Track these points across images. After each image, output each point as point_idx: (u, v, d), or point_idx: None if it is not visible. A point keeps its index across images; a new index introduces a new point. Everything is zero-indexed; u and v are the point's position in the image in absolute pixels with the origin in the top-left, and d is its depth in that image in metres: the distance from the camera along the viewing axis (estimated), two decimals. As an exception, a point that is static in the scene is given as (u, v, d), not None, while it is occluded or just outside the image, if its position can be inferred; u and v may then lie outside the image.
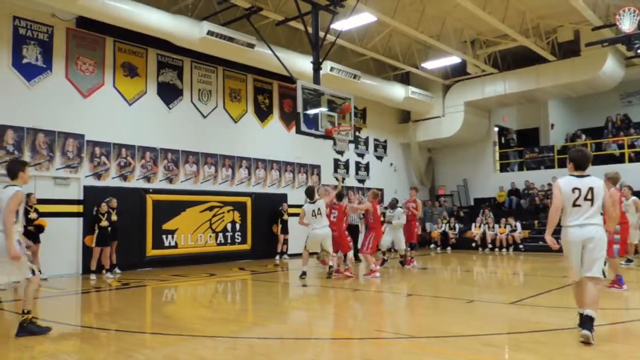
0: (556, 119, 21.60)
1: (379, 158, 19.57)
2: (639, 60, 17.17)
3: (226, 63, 14.04)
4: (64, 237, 10.71)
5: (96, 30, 11.78)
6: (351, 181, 18.16)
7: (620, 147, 17.98)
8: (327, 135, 11.89)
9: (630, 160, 17.44)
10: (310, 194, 10.11)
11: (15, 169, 5.46)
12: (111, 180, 11.90)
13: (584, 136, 19.51)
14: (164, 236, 12.56)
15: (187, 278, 10.41)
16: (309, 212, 9.69)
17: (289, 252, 14.88)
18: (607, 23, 13.50)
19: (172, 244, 12.71)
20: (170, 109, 13.22)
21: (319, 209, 9.65)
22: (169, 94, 13.25)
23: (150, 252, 12.29)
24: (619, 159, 17.72)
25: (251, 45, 13.08)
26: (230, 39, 12.63)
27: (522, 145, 21.08)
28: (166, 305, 7.88)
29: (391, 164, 19.99)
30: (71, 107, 11.36)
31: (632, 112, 20.17)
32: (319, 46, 12.21)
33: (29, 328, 5.24)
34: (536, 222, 17.21)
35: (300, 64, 13.76)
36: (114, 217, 10.68)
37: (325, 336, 5.53)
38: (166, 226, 12.64)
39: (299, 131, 11.37)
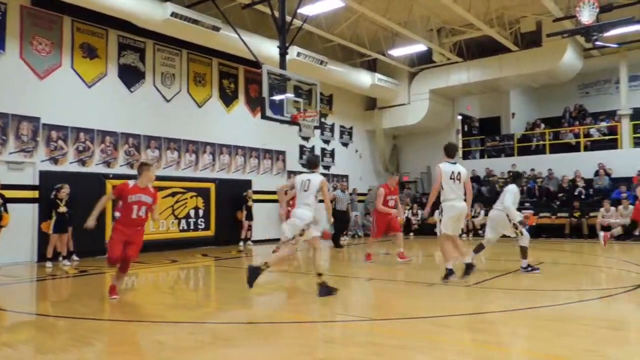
0: (517, 108, 22.13)
1: (345, 145, 19.65)
2: (597, 52, 17.69)
3: (191, 46, 13.76)
4: (19, 224, 10.32)
5: (53, 9, 11.34)
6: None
7: (576, 136, 18.59)
8: (293, 121, 11.86)
9: (586, 149, 18.05)
10: (313, 162, 7.39)
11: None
12: (69, 165, 11.55)
13: (542, 125, 20.05)
14: (125, 222, 12.30)
15: (147, 265, 10.26)
16: (447, 174, 7.23)
17: (253, 239, 14.84)
18: (568, 15, 13.83)
19: (134, 230, 12.46)
20: (131, 92, 12.88)
21: (459, 172, 7.26)
22: (131, 76, 12.90)
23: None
24: (575, 148, 18.34)
25: (216, 29, 12.85)
26: (195, 22, 12.37)
27: (484, 134, 21.55)
28: (125, 292, 7.75)
29: (356, 151, 20.11)
30: (26, 88, 10.92)
31: (588, 103, 20.84)
32: (286, 31, 12.11)
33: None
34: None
35: (267, 48, 13.62)
36: (62, 209, 10.22)
37: (288, 320, 5.56)
38: (127, 212, 12.37)
39: (264, 117, 11.30)
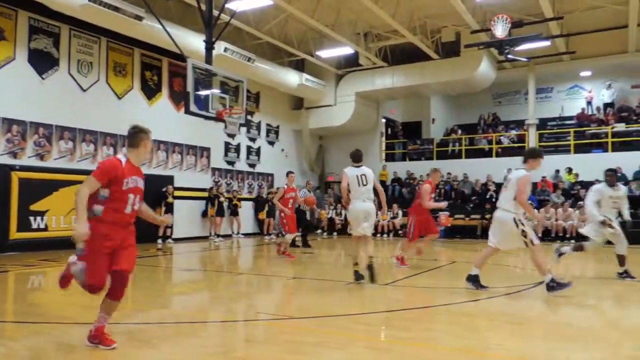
0: (437, 114, 23.17)
1: (271, 143, 19.60)
2: (509, 65, 18.90)
3: (111, 34, 13.11)
4: None
5: (-47, -17, 10.37)
6: (242, 165, 18.00)
7: (490, 142, 19.79)
8: (218, 118, 11.66)
9: (497, 155, 19.26)
10: (360, 156, 7.62)
11: None
12: (-31, 154, 10.62)
13: (459, 131, 21.15)
14: (31, 218, 11.50)
15: (58, 263, 9.65)
16: (353, 178, 7.28)
17: (174, 236, 14.42)
18: (484, 28, 14.68)
19: (42, 226, 11.69)
20: (43, 79, 12.07)
21: (363, 175, 7.31)
22: (43, 62, 12.08)
23: (15, 235, 11.20)
24: (488, 154, 19.51)
25: (139, 18, 12.34)
26: (116, 9, 11.81)
27: (407, 137, 22.36)
28: (32, 292, 7.26)
29: (282, 150, 20.13)
30: None
31: (500, 112, 22.28)
32: (213, 25, 11.87)
33: None
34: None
35: (193, 42, 13.29)
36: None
37: (207, 319, 5.46)
38: (35, 207, 11.58)
39: (188, 112, 11.02)
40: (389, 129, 23.21)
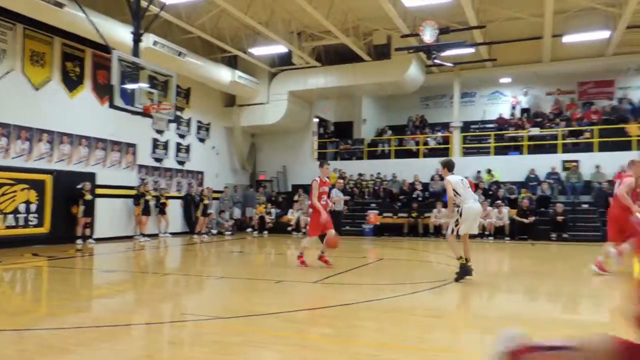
0: (368, 114, 23.68)
1: (201, 140, 19.19)
2: (436, 69, 19.65)
3: (28, 21, 12.26)
4: None
5: None
6: (171, 163, 17.49)
7: (417, 143, 20.51)
8: (145, 113, 11.28)
9: (424, 156, 19.99)
10: (453, 165, 7.77)
11: None
12: None
13: (390, 132, 21.75)
14: None
15: (-36, 265, 8.93)
16: (457, 183, 7.39)
17: (96, 236, 13.76)
18: (414, 32, 15.17)
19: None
20: (-51, 65, 11.10)
21: (463, 180, 7.57)
22: (-52, 47, 11.11)
23: None
24: (416, 154, 20.21)
25: (60, 5, 11.65)
26: (34, -6, 11.08)
27: (338, 137, 22.68)
28: None
29: (213, 147, 19.76)
30: None
31: (428, 114, 23.15)
32: (141, 16, 11.46)
33: None
34: (345, 208, 18.67)
35: (119, 33, 12.74)
36: None
37: (130, 322, 5.27)
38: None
39: (113, 106, 10.60)
40: (322, 129, 23.44)
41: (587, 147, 17.80)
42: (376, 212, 17.48)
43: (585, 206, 16.29)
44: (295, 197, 19.03)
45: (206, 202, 17.21)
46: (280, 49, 17.12)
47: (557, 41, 16.39)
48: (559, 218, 14.98)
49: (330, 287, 7.19)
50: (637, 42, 16.63)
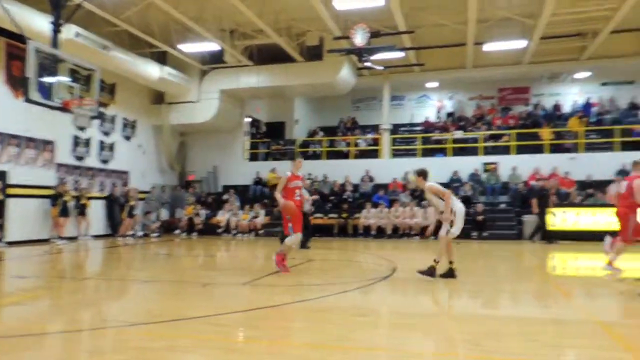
0: (300, 115, 23.77)
1: (127, 138, 18.41)
2: (367, 72, 20.02)
3: None
4: None
5: None
6: (92, 161, 16.63)
7: (348, 145, 20.84)
8: (64, 108, 10.69)
9: (355, 157, 20.35)
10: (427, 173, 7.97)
11: None
12: None
13: (321, 133, 21.94)
14: None
15: None
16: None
17: (5, 239, 12.83)
18: (345, 35, 15.38)
19: None
20: None
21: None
22: None
23: None
24: (346, 156, 20.54)
25: (-33, -11, 10.77)
26: (-64, -24, 10.17)
27: (270, 137, 22.59)
28: None
29: (140, 146, 19.02)
30: None
31: (359, 116, 23.60)
32: (61, 5, 10.83)
33: None
34: (276, 209, 18.64)
35: (38, 22, 11.99)
36: None
37: (46, 331, 4.95)
38: None
39: (28, 99, 9.95)
40: (254, 128, 23.24)
41: (505, 150, 18.88)
42: (308, 212, 17.56)
43: (502, 206, 17.27)
44: (225, 196, 18.74)
45: (131, 203, 16.54)
46: (211, 46, 16.78)
47: (479, 49, 17.27)
48: (479, 217, 15.76)
49: (259, 288, 7.14)
50: (550, 52, 17.87)
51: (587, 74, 20.77)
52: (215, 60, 18.61)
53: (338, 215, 17.32)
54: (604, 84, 21.51)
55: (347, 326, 4.98)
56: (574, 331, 4.82)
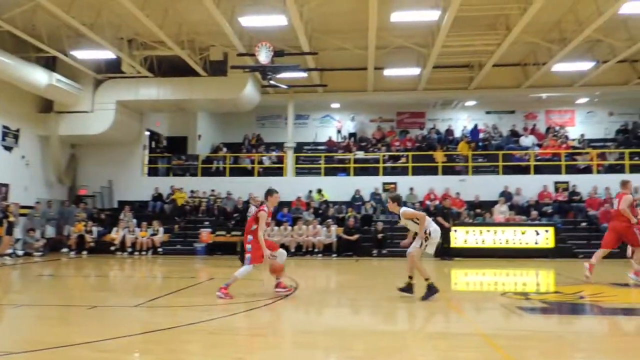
0: (203, 130, 23.20)
1: (8, 148, 16.75)
2: (272, 90, 20.09)
3: None
4: None
5: None
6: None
7: (252, 162, 20.68)
8: None
9: (259, 174, 20.23)
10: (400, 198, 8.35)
11: None
12: None
13: (225, 149, 21.57)
14: None
15: None
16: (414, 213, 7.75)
17: None
18: (250, 52, 15.35)
19: None
20: None
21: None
22: None
23: None
24: (251, 172, 20.36)
25: None
26: None
27: (171, 152, 21.79)
28: None
29: (23, 157, 17.39)
30: None
31: (264, 133, 23.53)
32: None
33: None
34: (176, 226, 17.96)
35: None
36: None
37: None
38: None
39: None
40: (153, 142, 22.28)
41: (403, 171, 19.82)
42: (209, 230, 17.10)
43: (401, 224, 18.03)
44: (121, 216, 17.67)
45: (11, 219, 15.01)
46: (107, 54, 15.92)
47: (379, 73, 18.10)
48: (380, 235, 16.31)
49: (153, 310, 6.76)
50: (443, 80, 19.17)
51: (474, 102, 22.57)
52: (111, 69, 17.65)
53: (242, 233, 16.96)
54: (488, 112, 23.44)
55: (245, 347, 4.85)
56: (461, 344, 5.09)
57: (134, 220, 17.29)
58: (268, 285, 9.78)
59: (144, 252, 16.48)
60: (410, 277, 7.65)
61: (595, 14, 13.07)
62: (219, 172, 20.43)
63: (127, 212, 17.79)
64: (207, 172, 20.41)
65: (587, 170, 19.18)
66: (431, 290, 7.39)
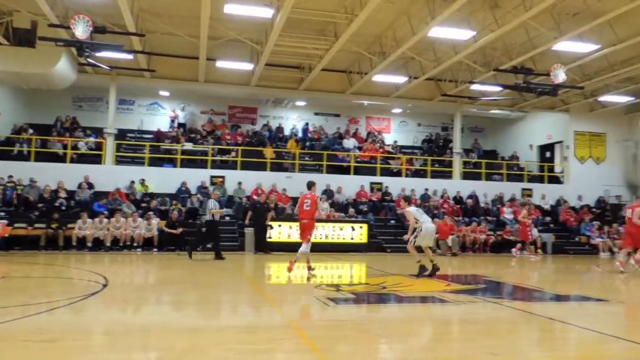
0: (4, 107, 20.05)
1: None
2: (91, 70, 18.29)
3: None
4: None
5: None
6: None
7: (65, 147, 18.54)
8: None
9: (72, 161, 18.20)
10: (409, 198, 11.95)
11: None
12: None
13: (31, 130, 19.00)
14: None
15: None
16: (416, 212, 10.06)
17: None
18: (64, 24, 13.68)
19: None
20: None
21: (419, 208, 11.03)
22: None
23: None
24: (62, 159, 18.23)
25: None
26: None
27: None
28: None
29: None
30: None
31: (81, 116, 21.27)
32: None
33: None
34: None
35: None
36: None
37: None
38: None
39: None
40: None
41: (233, 165, 19.70)
42: (5, 222, 14.84)
43: (227, 218, 17.85)
44: None
45: None
46: None
47: (211, 64, 17.68)
48: (204, 229, 15.92)
49: None
50: (274, 78, 19.53)
51: (304, 102, 23.46)
52: None
53: (47, 226, 15.05)
54: (317, 114, 24.58)
55: (29, 354, 4.25)
56: (271, 337, 5.16)
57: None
58: (72, 285, 8.86)
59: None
60: (419, 261, 9.54)
61: (410, 34, 14.53)
62: (22, 157, 17.92)
63: None
64: (6, 156, 17.70)
65: (398, 173, 21.35)
66: (421, 270, 9.45)
